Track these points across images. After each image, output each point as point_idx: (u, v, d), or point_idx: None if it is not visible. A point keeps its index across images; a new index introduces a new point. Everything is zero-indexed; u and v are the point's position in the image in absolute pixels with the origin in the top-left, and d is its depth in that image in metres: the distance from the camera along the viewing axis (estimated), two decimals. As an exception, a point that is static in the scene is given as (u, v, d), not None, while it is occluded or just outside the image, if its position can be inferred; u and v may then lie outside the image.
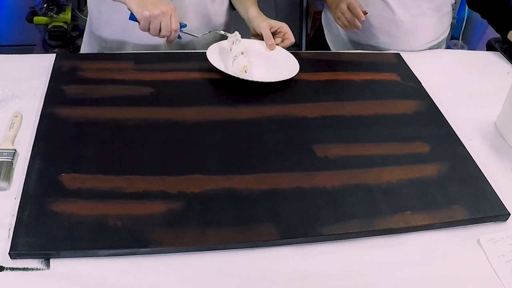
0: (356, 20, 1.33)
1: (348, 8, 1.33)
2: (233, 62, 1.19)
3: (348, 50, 1.54)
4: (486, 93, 1.32)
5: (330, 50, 1.58)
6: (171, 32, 1.12)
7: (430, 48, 1.52)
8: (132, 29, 1.28)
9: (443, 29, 1.54)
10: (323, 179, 0.97)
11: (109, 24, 1.32)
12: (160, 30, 1.12)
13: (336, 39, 1.57)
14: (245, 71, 1.17)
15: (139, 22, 1.11)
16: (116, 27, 1.31)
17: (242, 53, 1.21)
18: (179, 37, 1.18)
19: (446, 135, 1.14)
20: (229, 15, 1.43)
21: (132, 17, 1.12)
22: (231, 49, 1.22)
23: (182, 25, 1.16)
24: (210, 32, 1.27)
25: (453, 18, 2.57)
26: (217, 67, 1.17)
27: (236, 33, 1.26)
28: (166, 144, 1.01)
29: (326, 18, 1.61)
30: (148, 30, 1.12)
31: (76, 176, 0.91)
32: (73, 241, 0.80)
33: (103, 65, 1.20)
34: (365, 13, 1.33)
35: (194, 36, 1.24)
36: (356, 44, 1.53)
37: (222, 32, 1.28)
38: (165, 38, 1.16)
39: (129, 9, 1.11)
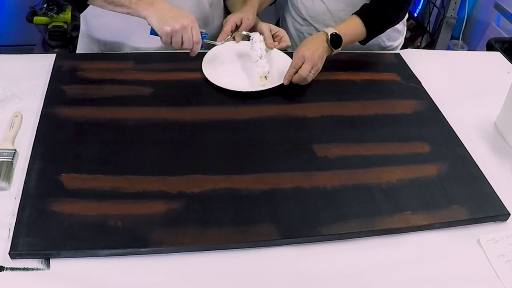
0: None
1: None
2: (256, 62, 1.18)
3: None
4: (486, 93, 1.32)
5: None
6: (193, 45, 1.11)
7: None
8: (129, 33, 1.27)
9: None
10: (323, 179, 0.97)
11: (106, 28, 1.31)
12: (182, 43, 1.10)
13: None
14: (265, 77, 1.17)
15: (161, 37, 1.09)
16: (113, 30, 1.30)
17: (261, 57, 1.20)
18: (201, 46, 1.16)
19: (446, 135, 1.14)
20: (224, 18, 1.43)
21: (153, 32, 1.10)
22: (253, 46, 1.21)
23: (204, 35, 1.15)
24: (229, 38, 1.26)
25: (453, 18, 2.59)
26: (216, 83, 1.17)
27: (257, 33, 1.26)
28: (166, 144, 1.01)
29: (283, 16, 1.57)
30: (170, 44, 1.10)
31: (76, 176, 0.91)
32: (73, 241, 0.81)
33: (103, 65, 1.21)
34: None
35: (216, 44, 1.23)
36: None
37: (244, 33, 1.27)
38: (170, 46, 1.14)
39: (149, 24, 1.09)
